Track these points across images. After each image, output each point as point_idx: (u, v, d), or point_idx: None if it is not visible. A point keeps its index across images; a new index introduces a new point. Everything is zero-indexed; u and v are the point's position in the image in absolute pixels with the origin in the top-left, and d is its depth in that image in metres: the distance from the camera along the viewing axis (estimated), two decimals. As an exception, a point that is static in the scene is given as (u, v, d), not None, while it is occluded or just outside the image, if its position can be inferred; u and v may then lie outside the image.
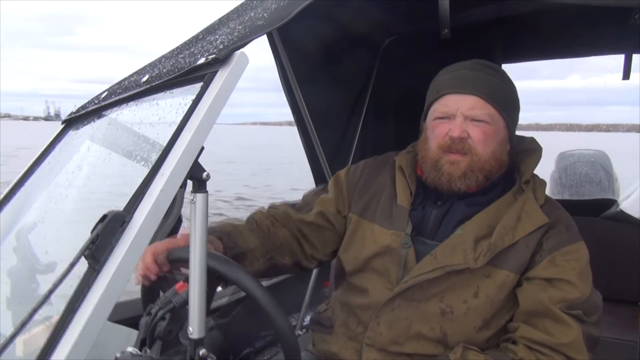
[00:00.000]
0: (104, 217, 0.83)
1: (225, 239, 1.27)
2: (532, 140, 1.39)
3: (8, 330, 0.89)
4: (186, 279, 0.97)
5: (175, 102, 1.02)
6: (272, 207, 1.49)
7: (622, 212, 2.31)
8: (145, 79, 1.14)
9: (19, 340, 1.03)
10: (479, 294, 1.22)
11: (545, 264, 1.21)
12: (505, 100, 1.30)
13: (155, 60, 1.33)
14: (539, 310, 1.19)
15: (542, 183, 1.33)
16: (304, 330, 2.41)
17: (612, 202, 2.44)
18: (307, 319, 2.40)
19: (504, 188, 1.32)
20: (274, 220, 1.41)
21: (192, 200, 0.91)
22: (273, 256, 1.37)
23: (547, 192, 1.34)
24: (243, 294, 1.99)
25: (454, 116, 1.26)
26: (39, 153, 1.42)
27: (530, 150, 1.36)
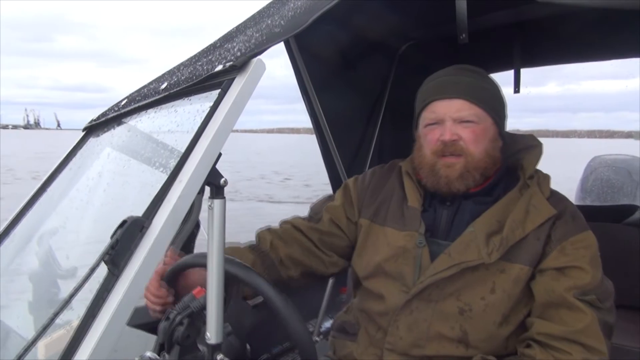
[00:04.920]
0: (124, 222, 0.84)
1: None
2: (531, 137, 1.42)
3: (30, 334, 0.90)
4: (203, 285, 0.98)
5: (193, 108, 1.03)
6: (283, 222, 1.52)
7: None
8: (164, 86, 1.15)
9: (40, 344, 1.05)
10: (495, 290, 1.23)
11: (556, 254, 1.22)
12: (489, 98, 1.34)
13: (174, 67, 1.35)
14: (553, 301, 1.19)
15: (546, 177, 1.34)
16: (321, 336, 2.39)
17: (635, 208, 2.39)
18: (325, 325, 2.39)
19: (508, 185, 1.34)
20: (276, 237, 1.45)
21: (209, 206, 0.92)
22: (276, 271, 1.41)
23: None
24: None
25: (443, 121, 1.30)
26: (60, 160, 1.44)
27: (531, 147, 1.38)
